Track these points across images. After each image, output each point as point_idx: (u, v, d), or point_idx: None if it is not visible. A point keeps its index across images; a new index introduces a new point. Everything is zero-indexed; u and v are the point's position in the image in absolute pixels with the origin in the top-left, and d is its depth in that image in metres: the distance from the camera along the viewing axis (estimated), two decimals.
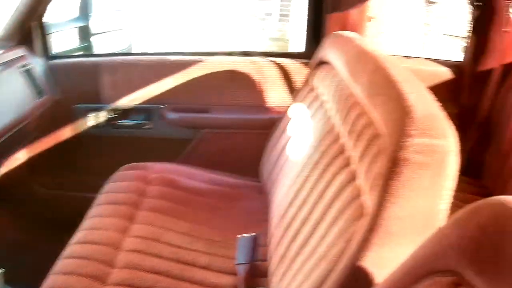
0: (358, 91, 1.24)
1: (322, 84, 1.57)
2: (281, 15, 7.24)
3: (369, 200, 0.96)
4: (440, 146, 0.88)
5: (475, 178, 2.24)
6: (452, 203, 0.91)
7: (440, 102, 0.97)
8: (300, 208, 1.25)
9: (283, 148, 1.65)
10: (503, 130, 2.17)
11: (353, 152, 1.13)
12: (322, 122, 1.41)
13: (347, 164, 1.14)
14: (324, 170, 1.22)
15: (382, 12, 6.45)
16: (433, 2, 6.71)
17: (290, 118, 1.72)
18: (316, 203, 1.18)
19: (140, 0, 6.96)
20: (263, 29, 7.21)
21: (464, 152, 2.29)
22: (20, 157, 2.08)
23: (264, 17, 7.28)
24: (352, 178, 1.09)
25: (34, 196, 2.15)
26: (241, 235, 1.41)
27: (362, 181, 1.04)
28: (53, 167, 2.13)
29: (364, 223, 0.92)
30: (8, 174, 2.04)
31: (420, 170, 0.86)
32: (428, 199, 0.88)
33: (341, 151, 1.20)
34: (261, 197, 1.70)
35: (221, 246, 1.44)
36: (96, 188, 2.02)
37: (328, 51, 1.61)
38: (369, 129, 1.09)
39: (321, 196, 1.17)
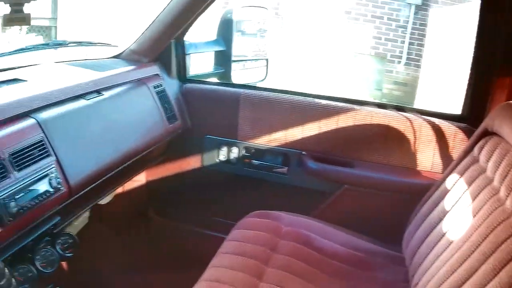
0: None
1: (491, 159, 1.35)
2: (409, 58, 6.86)
3: None
4: None
5: None
6: None
7: None
8: None
9: (436, 223, 1.43)
10: None
11: None
12: (490, 203, 1.21)
13: None
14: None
15: None
16: None
17: (447, 189, 1.49)
18: None
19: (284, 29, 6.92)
20: (390, 71, 6.92)
21: None
22: (141, 179, 2.00)
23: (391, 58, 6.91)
24: None
25: (149, 222, 2.06)
26: None
27: None
28: (171, 196, 2.03)
29: None
30: (126, 195, 1.96)
31: None
32: None
33: None
34: (399, 269, 1.50)
35: None
36: (216, 227, 1.90)
37: (501, 123, 1.38)
38: None
39: None
